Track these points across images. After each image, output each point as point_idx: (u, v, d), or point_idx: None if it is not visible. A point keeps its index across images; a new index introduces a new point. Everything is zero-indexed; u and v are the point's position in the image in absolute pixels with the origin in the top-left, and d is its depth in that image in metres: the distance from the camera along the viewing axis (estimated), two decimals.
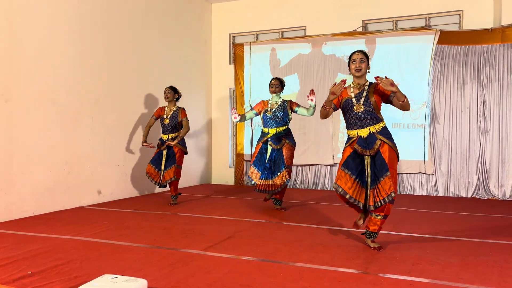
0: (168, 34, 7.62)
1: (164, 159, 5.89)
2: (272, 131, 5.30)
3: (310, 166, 7.95)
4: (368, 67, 3.66)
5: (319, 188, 7.85)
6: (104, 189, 6.13)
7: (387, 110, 7.12)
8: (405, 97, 3.48)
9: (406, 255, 3.41)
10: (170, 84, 7.57)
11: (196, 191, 7.42)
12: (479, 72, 6.82)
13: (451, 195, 6.97)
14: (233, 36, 8.97)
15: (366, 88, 3.66)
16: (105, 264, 3.14)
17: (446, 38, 6.95)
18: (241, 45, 8.40)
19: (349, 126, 3.72)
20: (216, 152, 8.97)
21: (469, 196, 6.84)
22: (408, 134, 7.17)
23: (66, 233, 4.13)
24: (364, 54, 3.66)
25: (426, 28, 7.18)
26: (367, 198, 3.58)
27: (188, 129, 5.96)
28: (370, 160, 3.58)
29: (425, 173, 7.11)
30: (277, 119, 5.29)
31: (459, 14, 7.28)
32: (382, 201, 3.48)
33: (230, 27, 8.90)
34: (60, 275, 2.86)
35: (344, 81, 3.46)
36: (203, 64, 8.77)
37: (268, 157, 5.26)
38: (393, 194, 3.46)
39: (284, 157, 5.24)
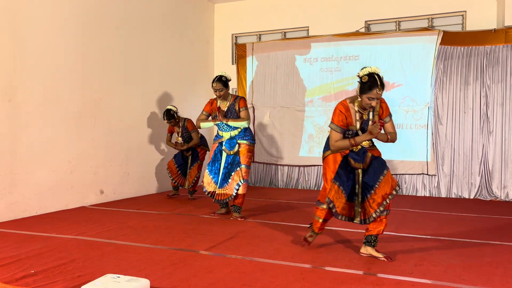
0: (170, 34, 7.63)
1: (189, 163, 6.48)
2: (226, 135, 4.89)
3: (312, 167, 7.94)
4: None
5: (321, 189, 7.82)
6: (106, 189, 6.14)
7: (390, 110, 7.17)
8: (387, 136, 3.29)
9: (408, 256, 3.41)
10: (172, 84, 7.59)
11: (197, 191, 7.42)
12: (482, 73, 6.80)
13: (453, 196, 6.95)
14: (236, 37, 8.97)
15: (370, 116, 3.34)
16: (107, 263, 3.15)
17: (449, 38, 6.93)
18: (244, 45, 8.40)
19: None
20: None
21: (471, 197, 6.82)
22: (411, 135, 7.16)
23: (68, 232, 4.14)
24: (383, 85, 3.18)
25: (429, 28, 7.17)
26: (355, 212, 3.34)
27: (197, 142, 6.40)
28: (362, 172, 3.34)
29: (427, 174, 7.10)
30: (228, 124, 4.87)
31: (462, 15, 7.26)
32: (379, 210, 3.24)
33: (233, 28, 8.90)
34: (62, 274, 2.87)
35: (381, 124, 3.15)
36: (205, 65, 8.78)
37: (223, 163, 4.87)
38: (397, 188, 3.25)
39: (240, 156, 4.84)
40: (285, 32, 8.54)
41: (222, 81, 4.81)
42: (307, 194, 7.22)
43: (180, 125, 6.41)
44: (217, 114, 4.86)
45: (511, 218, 5.17)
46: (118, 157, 6.36)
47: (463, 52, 6.90)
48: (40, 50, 5.12)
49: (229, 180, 4.85)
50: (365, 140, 3.26)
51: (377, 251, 3.36)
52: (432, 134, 7.06)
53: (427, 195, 7.10)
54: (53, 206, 5.28)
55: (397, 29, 7.60)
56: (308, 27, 8.27)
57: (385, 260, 3.27)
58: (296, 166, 8.05)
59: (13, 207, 4.79)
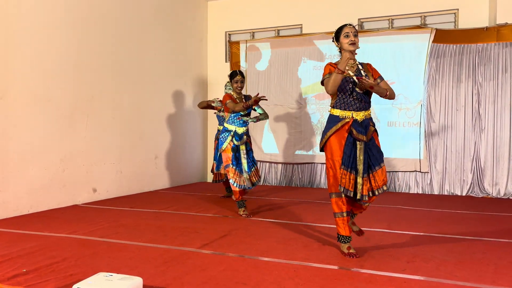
0: (164, 31, 7.59)
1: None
2: (240, 130, 4.99)
3: (306, 164, 7.95)
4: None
5: (314, 186, 7.86)
6: (99, 187, 6.11)
7: (383, 110, 7.21)
8: (387, 90, 3.33)
9: (401, 253, 3.42)
10: (165, 82, 7.57)
11: (192, 189, 7.42)
12: (474, 70, 6.84)
13: (446, 193, 7.00)
14: (229, 34, 8.95)
15: (360, 67, 3.44)
16: (100, 262, 3.13)
17: (441, 36, 6.97)
18: (237, 43, 8.39)
19: (342, 106, 3.37)
20: (212, 150, 8.94)
21: (464, 194, 6.87)
22: (404, 133, 7.19)
23: (61, 231, 4.12)
24: (355, 28, 3.40)
25: (422, 26, 7.20)
26: (356, 186, 3.28)
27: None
28: (364, 146, 3.32)
29: (420, 171, 7.14)
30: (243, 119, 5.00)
31: (454, 13, 7.30)
32: (379, 190, 3.30)
33: (226, 25, 8.89)
34: (55, 273, 2.85)
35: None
36: (199, 62, 8.75)
37: (242, 154, 4.98)
38: (385, 187, 3.34)
39: (252, 153, 5.08)
40: (278, 30, 8.53)
41: (243, 75, 5.08)
42: (300, 191, 7.24)
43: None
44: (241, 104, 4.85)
45: (503, 214, 5.21)
46: (111, 155, 6.33)
47: (455, 50, 6.94)
48: (32, 48, 5.08)
49: (248, 172, 4.97)
50: (345, 64, 3.22)
51: (353, 224, 3.61)
52: (425, 131, 7.10)
53: (420, 192, 7.14)
54: (45, 204, 5.24)
55: (390, 27, 7.62)
56: (302, 25, 8.27)
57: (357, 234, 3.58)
58: (290, 163, 8.06)
59: (4, 206, 4.75)
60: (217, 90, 8.89)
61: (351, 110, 3.36)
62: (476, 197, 6.71)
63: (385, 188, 3.35)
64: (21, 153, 4.94)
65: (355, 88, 3.34)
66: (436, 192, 7.05)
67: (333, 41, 3.49)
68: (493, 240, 3.91)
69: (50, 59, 5.32)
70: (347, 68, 3.36)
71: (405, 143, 7.16)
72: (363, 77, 3.26)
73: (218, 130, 6.46)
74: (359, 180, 3.28)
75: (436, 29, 6.98)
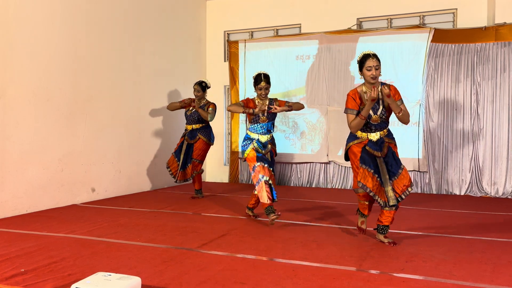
0: (163, 31, 7.59)
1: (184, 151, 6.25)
2: (263, 138, 4.60)
3: (305, 164, 7.95)
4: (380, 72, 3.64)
5: (313, 186, 7.86)
6: (98, 187, 6.11)
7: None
8: (401, 109, 3.62)
9: (400, 252, 3.43)
10: (164, 81, 7.57)
11: (191, 189, 7.41)
12: (472, 70, 6.84)
13: (444, 192, 7.00)
14: (228, 34, 8.95)
15: (380, 95, 3.67)
16: (98, 262, 3.13)
17: (440, 36, 6.97)
18: (236, 42, 8.38)
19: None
20: (211, 149, 8.90)
21: (462, 193, 6.87)
22: (402, 132, 7.17)
23: (59, 231, 4.11)
24: (378, 59, 3.62)
25: (421, 26, 7.20)
26: (386, 195, 3.60)
27: (207, 118, 6.19)
28: (384, 161, 3.66)
29: (418, 171, 7.14)
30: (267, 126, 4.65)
31: (453, 13, 7.30)
32: (401, 196, 3.58)
33: (225, 25, 8.88)
34: (53, 273, 2.85)
35: (375, 88, 3.55)
36: (197, 62, 8.74)
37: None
38: (410, 189, 3.59)
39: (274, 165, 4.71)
40: (277, 30, 8.53)
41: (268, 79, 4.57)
42: (299, 191, 7.24)
43: (202, 103, 6.25)
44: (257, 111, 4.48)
45: (501, 214, 5.22)
46: (109, 154, 6.32)
47: (454, 49, 6.94)
48: (31, 48, 5.07)
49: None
50: (369, 109, 3.58)
51: (385, 237, 3.76)
52: (423, 131, 7.10)
53: (419, 191, 7.14)
54: (43, 204, 5.23)
55: (389, 27, 7.62)
56: (300, 24, 8.27)
57: (389, 245, 3.66)
58: (288, 163, 8.06)
59: (3, 206, 4.75)
60: (217, 89, 8.89)
61: (367, 132, 3.75)
62: (474, 196, 6.71)
63: (410, 190, 3.60)
64: (20, 152, 4.94)
65: (370, 119, 3.69)
66: (434, 192, 7.06)
67: (357, 62, 3.75)
68: (492, 239, 3.92)
69: (49, 59, 5.31)
70: (365, 96, 3.70)
71: (404, 142, 7.14)
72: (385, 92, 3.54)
73: (186, 129, 6.31)
74: (388, 188, 3.57)
75: (435, 29, 6.98)
